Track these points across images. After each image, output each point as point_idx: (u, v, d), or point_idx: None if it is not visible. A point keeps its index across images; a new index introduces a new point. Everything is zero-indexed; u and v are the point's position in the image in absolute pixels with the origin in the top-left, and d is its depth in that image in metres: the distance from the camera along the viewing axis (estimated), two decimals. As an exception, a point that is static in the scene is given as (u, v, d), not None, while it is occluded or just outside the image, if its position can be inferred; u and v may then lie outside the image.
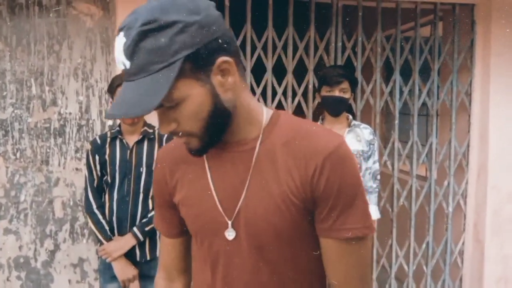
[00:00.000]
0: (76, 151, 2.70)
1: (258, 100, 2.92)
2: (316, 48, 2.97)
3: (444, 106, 3.18)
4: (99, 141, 2.22)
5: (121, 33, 0.81)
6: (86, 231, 2.74)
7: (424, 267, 3.20)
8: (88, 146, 2.26)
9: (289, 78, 2.95)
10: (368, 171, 2.58)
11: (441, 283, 3.23)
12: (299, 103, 2.99)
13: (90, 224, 2.23)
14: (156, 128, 2.24)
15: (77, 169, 2.71)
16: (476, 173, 3.15)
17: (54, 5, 2.65)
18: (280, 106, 2.94)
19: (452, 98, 3.12)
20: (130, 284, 2.24)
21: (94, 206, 2.21)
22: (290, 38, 2.93)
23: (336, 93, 2.48)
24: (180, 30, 0.79)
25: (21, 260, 2.70)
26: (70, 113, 2.69)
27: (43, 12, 2.65)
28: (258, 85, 2.91)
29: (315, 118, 2.81)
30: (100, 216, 2.21)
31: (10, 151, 2.65)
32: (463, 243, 3.21)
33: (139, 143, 2.19)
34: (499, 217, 3.08)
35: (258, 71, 2.92)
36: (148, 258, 2.22)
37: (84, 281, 2.77)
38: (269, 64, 2.91)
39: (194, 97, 0.83)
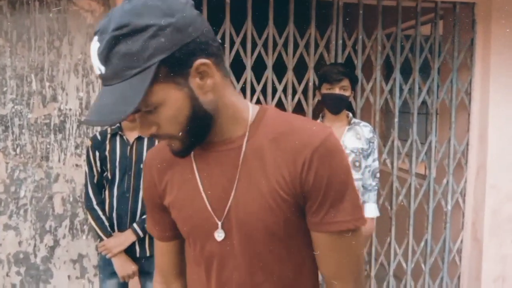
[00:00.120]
0: (76, 147, 2.70)
1: (258, 97, 2.92)
2: (317, 46, 2.98)
3: (444, 104, 3.18)
4: (99, 137, 2.22)
5: (95, 38, 0.80)
6: (85, 227, 2.74)
7: (423, 265, 3.22)
8: (88, 142, 2.26)
9: (289, 76, 2.96)
10: (368, 169, 2.58)
11: (439, 281, 3.24)
12: (299, 100, 2.99)
13: (90, 220, 2.23)
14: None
15: (77, 165, 2.71)
16: (475, 171, 3.16)
17: (54, 1, 2.64)
18: (280, 103, 2.94)
19: (452, 97, 3.13)
20: (129, 280, 2.24)
21: (94, 202, 2.22)
22: (291, 35, 2.93)
23: (337, 90, 2.48)
24: (153, 34, 0.77)
25: (21, 255, 2.70)
26: (70, 109, 2.69)
27: (44, 8, 2.64)
28: (258, 82, 2.92)
29: (315, 116, 2.82)
30: (100, 212, 2.21)
31: (10, 146, 2.65)
32: (461, 242, 3.22)
33: (140, 139, 2.19)
34: (497, 216, 3.10)
35: (259, 68, 2.92)
36: (148, 254, 2.23)
37: (84, 277, 2.77)
38: (270, 61, 2.92)
39: (172, 101, 0.82)
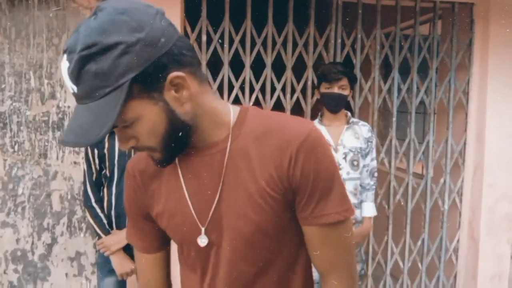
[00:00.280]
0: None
1: (257, 96, 2.93)
2: (316, 45, 2.98)
3: (442, 104, 3.20)
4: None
5: (65, 56, 0.78)
6: (83, 225, 2.74)
7: (419, 264, 3.23)
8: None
9: (288, 74, 2.96)
10: (366, 168, 2.59)
11: (435, 280, 3.26)
12: (297, 99, 3.00)
13: (89, 218, 2.22)
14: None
15: (75, 162, 2.70)
16: (472, 171, 3.17)
17: (53, -2, 2.64)
18: (278, 102, 2.95)
19: (450, 97, 3.14)
20: (128, 278, 2.25)
21: (93, 200, 2.21)
22: (290, 34, 2.93)
23: (335, 89, 2.49)
24: (123, 52, 0.75)
25: (18, 253, 2.70)
26: (68, 107, 2.68)
27: (43, 5, 2.64)
28: (257, 81, 2.92)
29: (314, 115, 2.82)
30: (98, 210, 2.21)
31: (8, 144, 2.65)
32: (458, 241, 3.24)
33: (139, 137, 2.19)
34: (494, 215, 3.11)
35: (258, 67, 2.92)
36: (146, 252, 2.23)
37: (81, 275, 2.77)
38: (269, 60, 2.92)
39: (148, 116, 0.81)
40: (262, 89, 2.94)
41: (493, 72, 3.03)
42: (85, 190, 2.23)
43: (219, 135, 0.91)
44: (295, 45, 2.96)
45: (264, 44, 2.90)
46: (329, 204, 0.90)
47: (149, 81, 0.78)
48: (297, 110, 2.93)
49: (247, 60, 2.89)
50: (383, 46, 3.07)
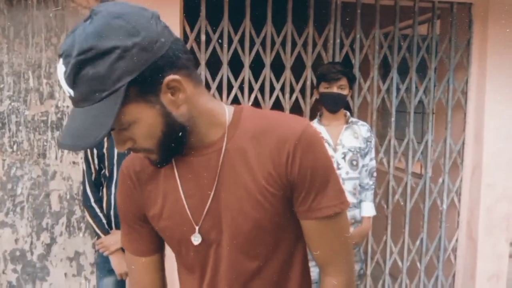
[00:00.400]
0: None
1: (256, 96, 2.93)
2: (315, 45, 2.98)
3: (440, 104, 3.20)
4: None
5: (61, 60, 0.78)
6: (82, 225, 2.74)
7: (418, 264, 3.23)
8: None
9: (287, 74, 2.96)
10: (365, 168, 2.59)
11: (434, 280, 3.27)
12: (296, 99, 3.00)
13: (88, 218, 2.22)
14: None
15: (74, 162, 2.70)
16: (471, 171, 3.18)
17: (52, -2, 2.63)
18: (277, 102, 2.95)
19: (448, 97, 3.15)
20: (127, 277, 2.25)
21: (92, 200, 2.21)
22: (289, 34, 2.93)
23: (335, 89, 2.49)
24: (119, 56, 0.76)
25: (17, 253, 2.70)
26: (67, 106, 2.68)
27: (41, 5, 2.63)
28: (256, 81, 2.92)
29: (313, 115, 2.83)
30: (97, 210, 2.21)
31: (7, 143, 2.64)
32: (456, 240, 3.24)
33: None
34: (492, 215, 3.12)
35: (257, 66, 2.92)
36: (145, 252, 2.23)
37: (80, 275, 2.77)
38: (268, 60, 2.92)
39: (145, 119, 0.82)
40: (261, 89, 2.94)
41: (491, 72, 3.03)
42: (84, 190, 2.23)
43: (215, 135, 0.92)
44: (294, 45, 2.96)
45: (263, 44, 2.91)
46: (326, 197, 0.92)
47: (146, 84, 0.79)
48: (296, 110, 2.93)
49: (246, 60, 2.89)
50: (382, 46, 3.07)
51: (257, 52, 2.91)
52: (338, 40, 3.01)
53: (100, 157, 2.19)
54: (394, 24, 3.06)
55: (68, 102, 2.67)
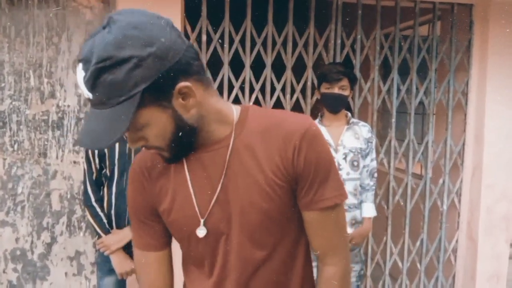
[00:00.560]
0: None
1: (257, 96, 2.93)
2: (315, 45, 2.99)
3: (441, 105, 3.20)
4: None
5: (80, 65, 0.84)
6: (83, 224, 2.74)
7: (418, 264, 3.24)
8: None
9: (288, 75, 2.96)
10: (366, 169, 2.60)
11: (434, 280, 3.27)
12: (297, 99, 3.00)
13: (89, 217, 2.22)
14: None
15: (74, 162, 2.70)
16: (471, 172, 3.18)
17: (53, -3, 2.64)
18: (278, 102, 2.95)
19: (449, 97, 3.15)
20: (127, 277, 2.24)
21: (93, 199, 2.21)
22: (290, 34, 2.94)
23: (336, 90, 2.49)
24: (135, 65, 0.81)
25: (18, 252, 2.70)
26: (68, 106, 2.68)
27: (42, 4, 2.63)
28: (257, 81, 2.92)
29: (313, 115, 2.83)
30: (98, 209, 2.20)
31: (7, 143, 2.64)
32: (456, 241, 3.24)
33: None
34: (492, 216, 3.12)
35: (257, 67, 2.92)
36: (146, 251, 2.23)
37: (81, 274, 2.77)
38: (269, 60, 2.92)
39: (157, 121, 0.88)
40: (262, 89, 2.94)
41: (492, 73, 3.04)
42: (85, 190, 2.23)
43: (224, 132, 0.98)
44: (295, 45, 2.96)
45: (264, 44, 2.91)
46: (327, 189, 1.00)
47: (159, 91, 0.85)
48: (296, 110, 2.91)
49: (247, 60, 2.89)
50: (383, 46, 3.07)
51: (258, 52, 2.91)
52: (339, 41, 3.01)
53: (101, 157, 2.19)
54: (395, 25, 3.06)
55: (69, 102, 2.68)
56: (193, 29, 2.81)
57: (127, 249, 2.20)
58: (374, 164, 2.62)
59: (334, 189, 1.01)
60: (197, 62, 0.90)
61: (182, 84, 0.86)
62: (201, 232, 1.01)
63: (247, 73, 2.90)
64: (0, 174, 2.65)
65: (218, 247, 1.02)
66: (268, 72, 2.93)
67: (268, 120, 0.99)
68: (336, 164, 2.48)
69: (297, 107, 2.97)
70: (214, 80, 2.85)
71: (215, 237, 1.01)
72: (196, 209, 1.00)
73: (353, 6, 3.04)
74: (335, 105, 2.51)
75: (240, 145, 0.98)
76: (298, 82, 2.99)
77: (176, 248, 1.12)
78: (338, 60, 2.99)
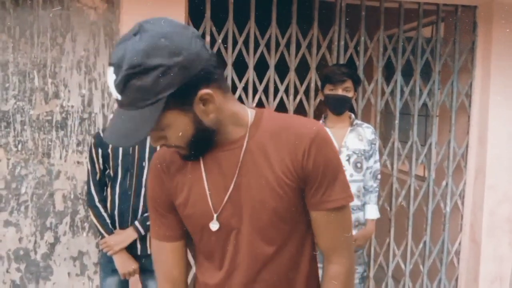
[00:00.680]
0: (78, 144, 2.70)
1: (260, 97, 2.93)
2: (319, 47, 2.99)
3: (444, 107, 3.20)
4: (102, 135, 2.22)
5: (111, 69, 0.91)
6: (86, 225, 2.74)
7: (421, 267, 3.23)
8: (91, 139, 2.26)
9: (291, 76, 2.97)
10: (369, 171, 2.59)
11: (437, 283, 3.26)
12: (300, 101, 3.00)
13: (92, 217, 2.23)
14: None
15: (78, 162, 2.71)
16: (474, 174, 3.17)
17: (58, -2, 2.64)
18: (281, 104, 2.95)
19: (452, 99, 3.15)
20: (130, 278, 2.25)
21: (96, 200, 2.22)
22: (293, 36, 2.94)
23: (340, 91, 2.49)
24: (162, 73, 0.89)
25: (21, 252, 2.70)
26: (72, 106, 2.68)
27: (47, 4, 2.64)
28: (260, 82, 2.92)
29: (317, 117, 2.83)
30: (102, 210, 2.21)
31: (11, 143, 2.65)
32: (459, 243, 3.24)
33: (143, 137, 2.19)
34: (495, 218, 3.11)
35: (261, 68, 2.92)
36: (149, 252, 2.23)
37: (84, 274, 2.77)
38: (272, 61, 2.92)
39: (179, 124, 0.95)
40: (265, 90, 2.94)
41: (495, 75, 3.03)
42: (89, 190, 2.24)
43: (239, 133, 1.05)
44: (298, 46, 2.96)
45: (267, 45, 2.91)
46: (335, 191, 1.05)
47: (182, 97, 0.92)
48: (300, 111, 2.92)
49: (251, 61, 2.90)
50: (386, 48, 3.08)
51: (262, 54, 2.92)
52: (342, 42, 3.01)
53: (105, 157, 2.20)
54: (399, 27, 3.06)
55: (73, 102, 2.68)
56: (196, 30, 2.81)
57: (130, 249, 2.21)
58: (377, 165, 2.62)
59: (341, 191, 1.06)
60: (218, 71, 0.97)
61: (204, 91, 0.93)
62: (214, 226, 1.06)
63: (251, 74, 2.90)
64: (4, 174, 2.66)
65: (228, 241, 1.07)
66: (271, 73, 2.93)
67: (280, 123, 1.05)
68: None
69: (300, 109, 2.97)
70: (218, 81, 2.84)
71: (226, 231, 1.07)
72: (210, 204, 1.06)
73: (356, 8, 3.04)
74: (339, 107, 2.51)
75: (253, 146, 1.04)
76: (301, 84, 2.99)
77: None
78: (341, 61, 2.99)
